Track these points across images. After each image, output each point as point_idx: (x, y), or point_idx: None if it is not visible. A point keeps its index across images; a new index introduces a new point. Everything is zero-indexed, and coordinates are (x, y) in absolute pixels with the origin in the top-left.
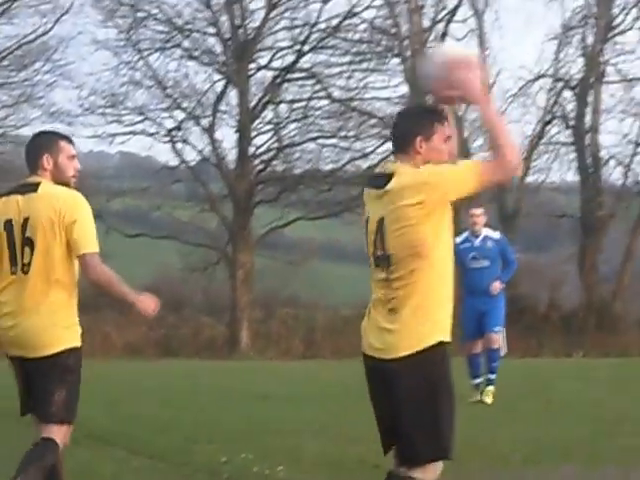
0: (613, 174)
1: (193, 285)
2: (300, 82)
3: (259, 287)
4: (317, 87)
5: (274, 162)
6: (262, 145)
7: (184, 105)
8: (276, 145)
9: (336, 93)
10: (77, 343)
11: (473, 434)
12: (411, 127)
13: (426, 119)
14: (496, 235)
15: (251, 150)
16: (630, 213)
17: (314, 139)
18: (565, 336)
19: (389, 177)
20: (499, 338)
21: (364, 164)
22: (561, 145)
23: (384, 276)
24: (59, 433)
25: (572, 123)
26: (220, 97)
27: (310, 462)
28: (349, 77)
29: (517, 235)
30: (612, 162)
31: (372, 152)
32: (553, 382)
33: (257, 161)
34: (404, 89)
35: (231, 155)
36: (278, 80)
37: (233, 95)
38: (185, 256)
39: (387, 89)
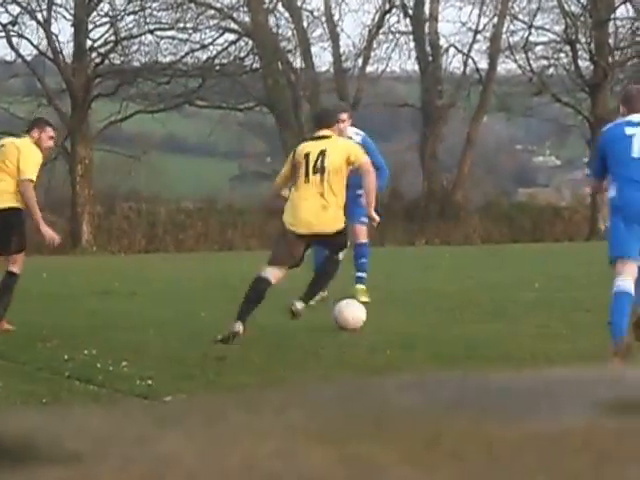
0: (453, 63)
1: None
2: None
3: (100, 182)
4: None
5: (112, 55)
6: (99, 38)
7: None
8: (113, 38)
9: None
10: None
11: (319, 324)
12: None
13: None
14: (358, 137)
15: (88, 43)
16: (470, 102)
17: (152, 31)
18: (407, 225)
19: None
20: (364, 230)
21: (203, 55)
22: (400, 34)
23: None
24: None
25: (411, 12)
26: None
27: (154, 357)
28: None
29: (358, 125)
30: (451, 50)
31: (211, 44)
32: (396, 271)
33: (94, 54)
34: None
35: (68, 49)
36: None
37: None
38: None
39: None
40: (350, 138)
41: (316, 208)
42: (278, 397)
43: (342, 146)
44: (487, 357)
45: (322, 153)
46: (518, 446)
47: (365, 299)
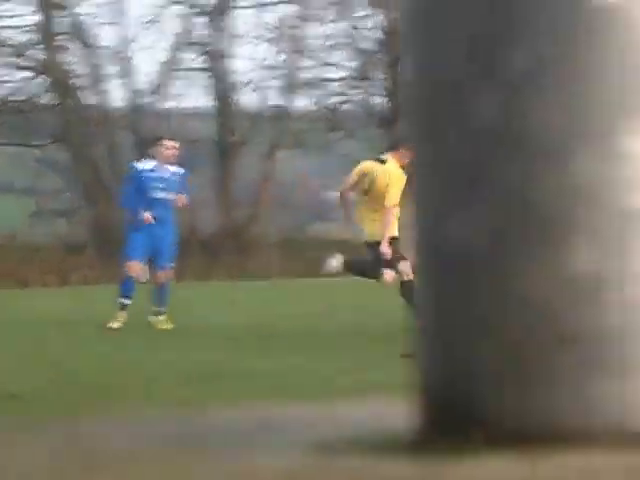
0: (248, 99)
1: None
2: None
3: None
4: None
5: None
6: None
7: None
8: None
9: None
10: None
11: (121, 359)
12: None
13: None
14: (180, 170)
15: None
16: (265, 138)
17: None
18: (204, 260)
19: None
20: (172, 274)
21: None
22: (195, 71)
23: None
24: None
25: (206, 49)
26: None
27: None
28: None
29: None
30: (247, 87)
31: (5, 82)
32: (194, 306)
33: None
34: (36, 17)
35: None
36: None
37: None
38: None
39: (18, 17)
40: (175, 172)
41: (370, 220)
42: None
43: (386, 175)
44: (281, 392)
45: (375, 176)
46: None
47: (167, 326)
